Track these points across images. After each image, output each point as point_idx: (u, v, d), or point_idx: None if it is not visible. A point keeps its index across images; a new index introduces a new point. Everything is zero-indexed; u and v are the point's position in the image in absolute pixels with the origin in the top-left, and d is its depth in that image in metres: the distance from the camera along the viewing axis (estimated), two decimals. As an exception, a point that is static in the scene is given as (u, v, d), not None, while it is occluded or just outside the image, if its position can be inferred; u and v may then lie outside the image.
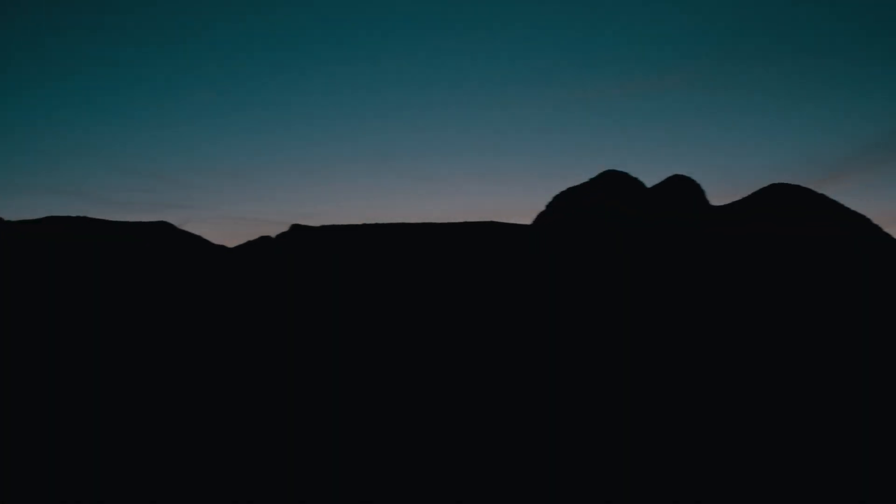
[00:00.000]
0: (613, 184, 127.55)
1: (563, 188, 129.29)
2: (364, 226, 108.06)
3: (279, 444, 25.35)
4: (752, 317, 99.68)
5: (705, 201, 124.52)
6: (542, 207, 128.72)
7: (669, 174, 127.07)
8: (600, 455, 24.68)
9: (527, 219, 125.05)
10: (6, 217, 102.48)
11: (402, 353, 51.67)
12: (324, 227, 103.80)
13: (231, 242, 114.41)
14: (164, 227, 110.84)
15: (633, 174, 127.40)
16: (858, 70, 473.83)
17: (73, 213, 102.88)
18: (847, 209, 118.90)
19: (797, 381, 40.48)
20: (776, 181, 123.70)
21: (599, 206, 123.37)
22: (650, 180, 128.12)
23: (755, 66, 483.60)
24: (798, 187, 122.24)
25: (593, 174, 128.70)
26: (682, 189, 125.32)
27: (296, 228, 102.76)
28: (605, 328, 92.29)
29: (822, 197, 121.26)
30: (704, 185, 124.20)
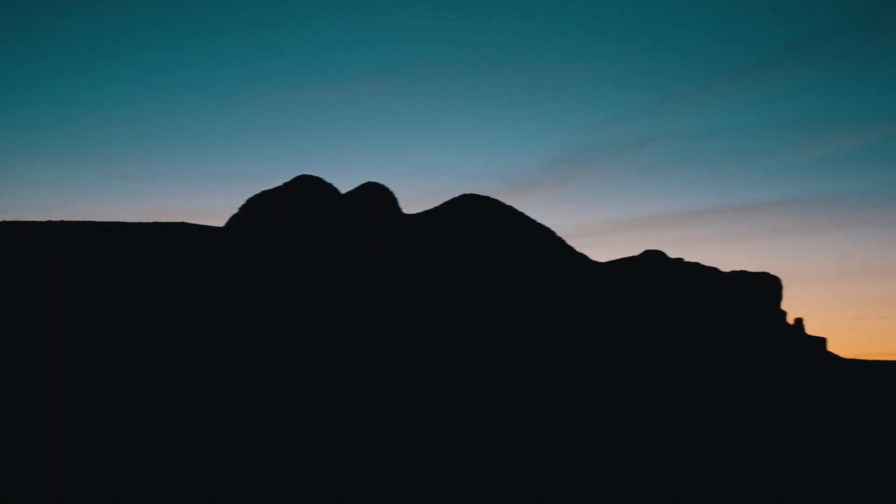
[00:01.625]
0: (307, 189, 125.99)
1: (258, 191, 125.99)
2: (35, 223, 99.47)
3: None
4: (437, 317, 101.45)
5: (398, 209, 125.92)
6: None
7: (364, 181, 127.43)
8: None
9: (222, 221, 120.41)
10: None
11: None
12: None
13: None
14: None
15: (328, 180, 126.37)
16: (547, 87, 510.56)
17: None
18: (533, 221, 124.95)
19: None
20: (468, 192, 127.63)
21: (291, 210, 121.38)
22: (345, 186, 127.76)
23: (455, 78, 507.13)
24: (488, 198, 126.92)
25: (289, 178, 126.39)
26: (374, 196, 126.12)
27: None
28: (292, 328, 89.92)
29: (511, 209, 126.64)
30: (398, 193, 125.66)
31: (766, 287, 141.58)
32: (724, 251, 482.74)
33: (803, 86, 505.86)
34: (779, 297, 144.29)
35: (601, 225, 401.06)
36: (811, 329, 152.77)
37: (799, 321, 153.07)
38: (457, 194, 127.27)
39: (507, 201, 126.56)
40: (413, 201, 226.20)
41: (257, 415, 45.71)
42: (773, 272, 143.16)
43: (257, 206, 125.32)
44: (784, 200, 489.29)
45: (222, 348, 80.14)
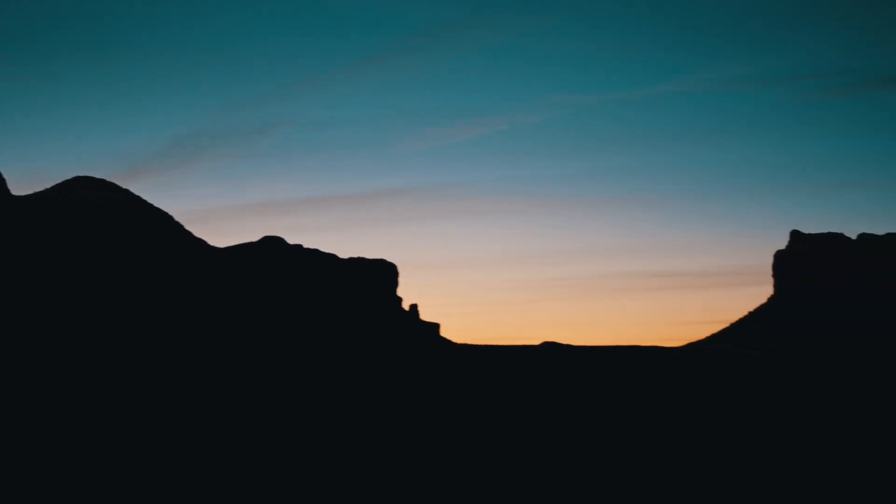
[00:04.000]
0: None
1: None
2: None
3: None
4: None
5: (7, 190, 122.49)
6: None
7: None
8: None
9: None
10: None
11: None
12: None
13: None
14: None
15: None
16: (166, 71, 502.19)
17: None
18: (150, 205, 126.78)
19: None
20: (82, 174, 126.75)
21: None
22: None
23: (69, 62, 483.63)
24: (102, 181, 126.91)
25: None
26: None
27: None
28: None
29: (126, 192, 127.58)
30: (7, 175, 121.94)
31: (383, 274, 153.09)
32: (342, 238, 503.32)
33: (417, 79, 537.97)
34: (395, 284, 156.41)
35: (220, 210, 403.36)
36: (425, 315, 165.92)
37: (414, 307, 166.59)
38: (69, 176, 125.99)
39: (124, 185, 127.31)
40: (23, 183, 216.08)
41: None
42: (389, 259, 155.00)
43: None
44: (400, 189, 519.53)
45: None
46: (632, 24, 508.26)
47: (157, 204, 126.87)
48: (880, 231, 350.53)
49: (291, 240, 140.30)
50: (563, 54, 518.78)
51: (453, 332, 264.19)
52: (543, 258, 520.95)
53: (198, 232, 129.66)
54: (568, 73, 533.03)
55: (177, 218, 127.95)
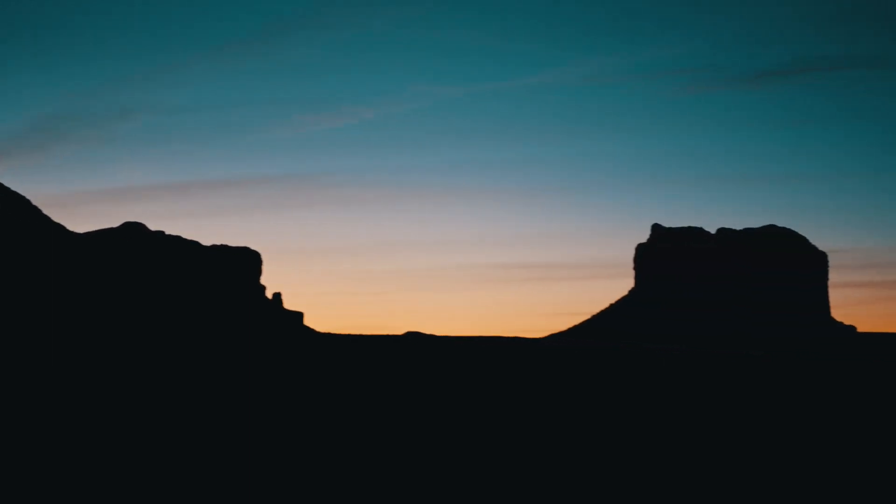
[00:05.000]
0: None
1: None
2: None
3: None
4: None
5: None
6: None
7: None
8: None
9: None
10: None
11: None
12: None
13: None
14: None
15: None
16: (25, 53, 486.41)
17: None
18: (7, 188, 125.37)
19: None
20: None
21: None
22: None
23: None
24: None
25: None
26: None
27: None
28: None
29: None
30: None
31: (246, 262, 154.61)
32: (205, 225, 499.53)
33: (282, 66, 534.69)
34: (258, 272, 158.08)
35: (80, 195, 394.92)
36: (289, 304, 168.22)
37: (277, 296, 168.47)
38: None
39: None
40: None
41: None
42: (253, 247, 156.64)
43: None
44: (264, 176, 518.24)
45: None
46: (500, 16, 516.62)
47: (14, 188, 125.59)
48: (738, 226, 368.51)
49: (153, 226, 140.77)
50: (430, 44, 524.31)
51: (317, 321, 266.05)
52: (409, 248, 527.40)
53: (56, 217, 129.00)
54: (435, 64, 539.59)
55: (35, 202, 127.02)
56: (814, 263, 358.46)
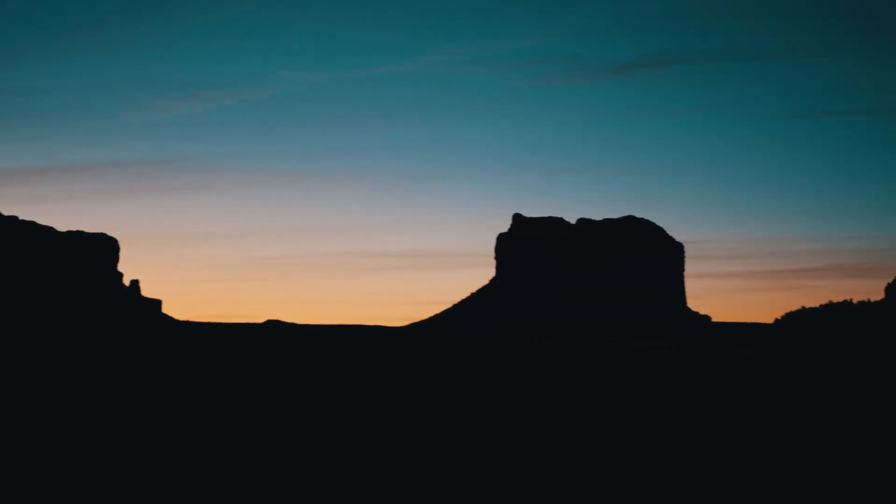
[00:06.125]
0: None
1: None
2: None
3: None
4: None
5: None
6: None
7: None
8: None
9: None
10: None
11: None
12: None
13: None
14: None
15: None
16: None
17: None
18: None
19: None
20: None
21: None
22: None
23: None
24: None
25: None
26: None
27: None
28: None
29: None
30: None
31: (103, 248, 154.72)
32: (61, 210, 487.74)
33: (141, 49, 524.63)
34: (115, 259, 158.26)
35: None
36: (147, 291, 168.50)
37: (135, 283, 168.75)
38: None
39: None
40: None
41: None
42: (110, 233, 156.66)
43: None
44: (122, 161, 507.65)
45: None
46: (364, 4, 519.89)
47: None
48: (598, 216, 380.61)
49: (7, 211, 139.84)
50: (294, 30, 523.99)
51: (176, 309, 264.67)
52: (270, 235, 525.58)
53: None
54: (298, 50, 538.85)
55: None
56: (671, 254, 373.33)
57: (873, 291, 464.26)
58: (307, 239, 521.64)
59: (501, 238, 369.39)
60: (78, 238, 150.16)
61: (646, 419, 30.03)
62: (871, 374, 66.83)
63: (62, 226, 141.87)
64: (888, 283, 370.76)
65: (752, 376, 61.28)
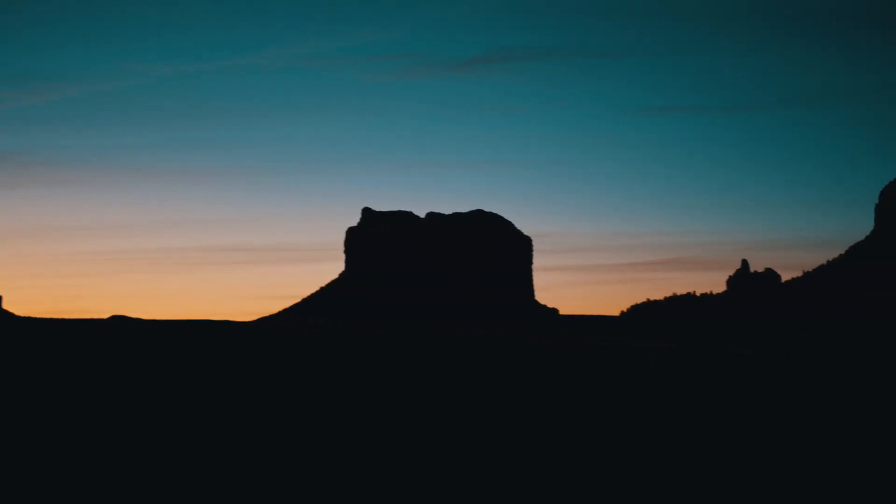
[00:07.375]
0: None
1: None
2: None
3: None
4: None
5: None
6: None
7: None
8: None
9: None
10: None
11: None
12: None
13: None
14: None
15: None
16: None
17: None
18: None
19: None
20: None
21: None
22: None
23: None
24: None
25: None
26: None
27: None
28: None
29: None
30: None
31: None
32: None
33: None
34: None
35: None
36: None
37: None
38: None
39: None
40: None
41: None
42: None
43: None
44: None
45: None
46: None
47: None
48: (447, 210, 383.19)
49: None
50: (139, 21, 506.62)
51: (18, 305, 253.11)
52: (115, 230, 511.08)
53: None
54: (143, 42, 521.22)
55: None
56: (519, 247, 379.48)
57: (716, 284, 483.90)
58: (153, 233, 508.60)
59: (351, 232, 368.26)
60: None
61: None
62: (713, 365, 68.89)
63: None
64: (729, 276, 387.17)
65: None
